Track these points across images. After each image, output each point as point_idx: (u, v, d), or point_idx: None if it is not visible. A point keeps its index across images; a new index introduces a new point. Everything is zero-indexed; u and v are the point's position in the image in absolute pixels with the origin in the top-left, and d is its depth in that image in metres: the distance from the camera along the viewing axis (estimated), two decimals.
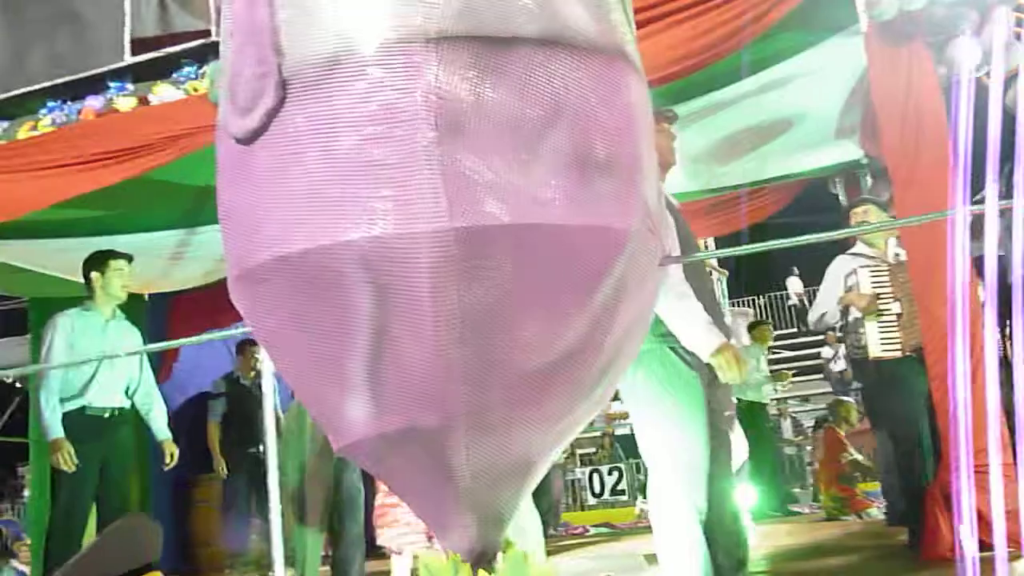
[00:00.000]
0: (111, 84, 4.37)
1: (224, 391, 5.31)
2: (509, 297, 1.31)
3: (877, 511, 5.46)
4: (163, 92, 4.20)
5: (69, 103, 4.48)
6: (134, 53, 4.37)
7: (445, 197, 1.25)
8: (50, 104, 4.56)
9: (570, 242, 1.33)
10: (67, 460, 3.52)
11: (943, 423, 2.71)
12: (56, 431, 3.56)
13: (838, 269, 3.73)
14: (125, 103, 4.26)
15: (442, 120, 1.27)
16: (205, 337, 5.32)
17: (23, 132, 4.47)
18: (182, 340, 4.36)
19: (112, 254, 3.77)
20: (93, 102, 4.35)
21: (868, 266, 3.62)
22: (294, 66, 1.34)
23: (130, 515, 1.46)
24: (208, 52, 4.22)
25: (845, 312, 3.63)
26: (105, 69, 4.36)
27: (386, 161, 1.27)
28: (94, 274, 3.78)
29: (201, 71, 4.21)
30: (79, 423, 3.61)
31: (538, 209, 1.30)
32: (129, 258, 3.81)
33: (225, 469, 5.26)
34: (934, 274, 2.78)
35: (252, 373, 5.49)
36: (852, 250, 3.78)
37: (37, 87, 4.55)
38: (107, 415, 3.71)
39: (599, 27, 1.44)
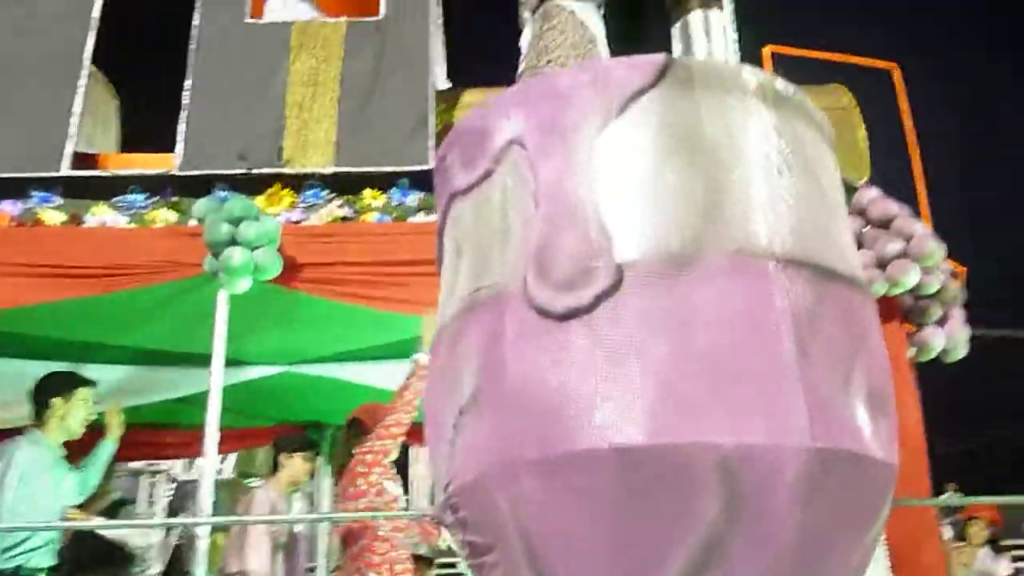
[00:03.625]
0: (34, 193, 3.94)
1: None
2: (831, 522, 1.31)
3: None
4: (103, 215, 3.84)
5: None
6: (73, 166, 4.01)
7: (807, 415, 1.26)
8: None
9: (874, 474, 1.36)
10: None
11: None
12: None
13: None
14: (53, 216, 3.84)
15: (798, 337, 1.30)
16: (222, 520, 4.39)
17: None
18: (221, 519, 3.64)
19: (82, 380, 3.13)
20: (10, 207, 3.89)
21: None
22: (629, 252, 1.34)
23: None
24: (166, 184, 3.97)
25: None
26: (34, 175, 3.95)
27: (750, 369, 1.27)
28: (56, 400, 3.06)
29: (152, 201, 3.92)
30: None
31: (861, 439, 1.33)
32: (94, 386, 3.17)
33: None
34: (910, 548, 3.00)
35: None
36: None
37: None
38: None
39: (863, 271, 1.57)
